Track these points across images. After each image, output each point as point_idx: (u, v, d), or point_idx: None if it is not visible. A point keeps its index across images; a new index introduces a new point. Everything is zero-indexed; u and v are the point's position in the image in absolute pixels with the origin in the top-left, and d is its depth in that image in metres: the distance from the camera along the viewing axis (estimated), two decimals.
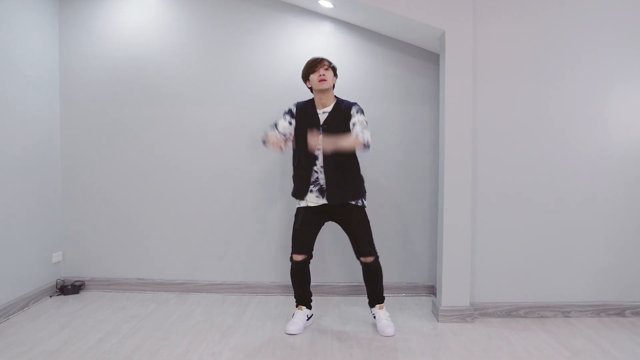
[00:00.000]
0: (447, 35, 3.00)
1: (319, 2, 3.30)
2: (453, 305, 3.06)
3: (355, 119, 2.78)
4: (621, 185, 3.12)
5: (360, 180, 2.93)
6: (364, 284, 2.97)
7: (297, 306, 2.96)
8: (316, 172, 2.81)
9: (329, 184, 2.78)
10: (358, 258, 2.89)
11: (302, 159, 2.84)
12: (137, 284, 3.66)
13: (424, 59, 3.57)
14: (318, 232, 2.94)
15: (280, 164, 3.57)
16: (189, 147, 3.63)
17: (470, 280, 3.10)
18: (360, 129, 2.72)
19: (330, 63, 2.84)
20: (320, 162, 2.79)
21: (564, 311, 3.14)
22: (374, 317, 2.94)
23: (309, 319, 2.96)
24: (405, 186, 3.61)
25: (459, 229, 3.04)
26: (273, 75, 3.58)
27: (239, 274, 3.66)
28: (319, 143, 2.72)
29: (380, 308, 2.93)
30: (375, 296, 2.95)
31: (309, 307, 2.99)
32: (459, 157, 3.02)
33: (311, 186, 2.83)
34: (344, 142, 2.61)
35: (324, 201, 2.82)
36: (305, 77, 2.86)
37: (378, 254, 2.90)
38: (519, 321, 3.07)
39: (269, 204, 3.62)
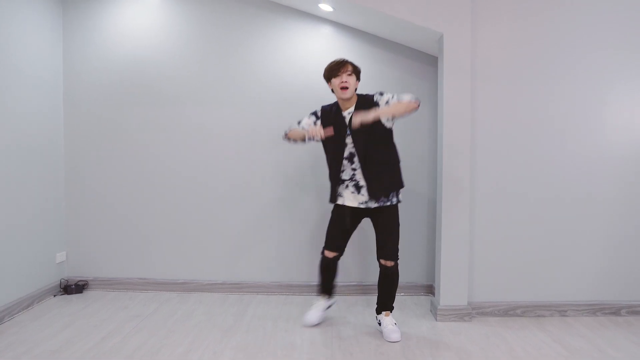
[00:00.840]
0: (445, 38, 2.99)
1: (319, 5, 3.29)
2: (451, 304, 3.05)
3: (384, 99, 2.64)
4: (618, 186, 3.11)
5: (399, 171, 2.80)
6: (372, 286, 2.96)
7: (320, 294, 3.02)
8: (354, 170, 2.72)
9: (371, 183, 2.68)
10: (378, 259, 2.82)
11: (331, 161, 2.80)
12: (140, 284, 3.65)
13: (423, 61, 3.56)
14: (353, 230, 2.90)
15: (281, 165, 3.57)
16: (190, 149, 3.62)
17: (468, 280, 3.09)
18: (391, 97, 2.62)
19: (353, 67, 2.72)
20: (355, 163, 2.71)
21: (560, 310, 3.13)
22: (379, 323, 2.86)
23: (329, 307, 3.05)
24: (405, 187, 3.59)
25: (457, 228, 3.03)
26: (273, 77, 3.57)
27: (240, 273, 3.65)
28: (321, 135, 2.61)
29: (387, 315, 2.85)
30: (386, 303, 2.87)
31: (331, 296, 3.05)
32: (457, 158, 3.02)
33: (347, 182, 2.75)
34: (379, 112, 2.48)
35: (360, 200, 2.73)
36: (327, 79, 2.75)
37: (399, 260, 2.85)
38: (517, 320, 3.07)
39: (269, 204, 3.61)
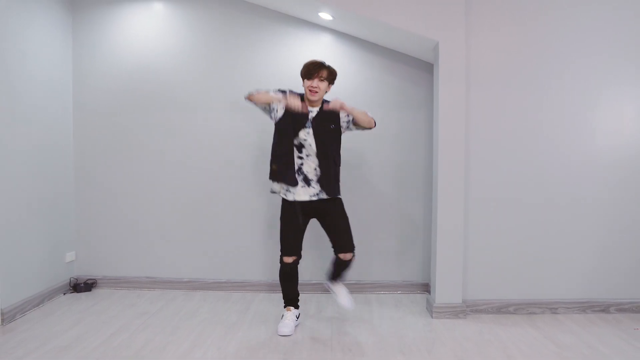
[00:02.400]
0: (440, 46, 3.01)
1: (319, 14, 3.30)
2: (446, 302, 3.06)
3: (344, 115, 2.76)
4: (607, 189, 3.13)
5: (339, 173, 2.84)
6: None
7: (285, 307, 2.88)
8: (300, 158, 2.72)
9: (324, 175, 2.70)
10: (337, 254, 2.81)
11: (286, 145, 2.71)
12: (147, 282, 3.66)
13: (419, 68, 3.58)
14: (305, 230, 2.84)
15: None
16: (195, 152, 3.63)
17: (462, 279, 3.10)
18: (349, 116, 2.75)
19: (328, 73, 2.72)
20: (307, 151, 2.71)
21: (551, 308, 3.14)
22: (328, 287, 2.95)
23: (297, 318, 2.87)
24: (401, 188, 3.61)
25: (452, 229, 3.04)
26: (276, 82, 3.57)
27: (243, 273, 3.66)
28: (299, 108, 2.63)
29: (334, 285, 2.92)
30: (336, 277, 2.91)
31: (297, 307, 2.91)
32: (452, 161, 3.03)
33: (295, 174, 2.72)
34: (353, 108, 2.66)
35: (311, 192, 2.71)
36: (302, 77, 2.74)
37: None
38: (509, 317, 3.08)
39: (271, 206, 3.62)
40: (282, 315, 2.85)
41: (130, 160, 3.65)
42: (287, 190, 2.76)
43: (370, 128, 2.81)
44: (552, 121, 3.11)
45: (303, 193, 2.73)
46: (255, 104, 2.75)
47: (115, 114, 3.64)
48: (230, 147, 3.62)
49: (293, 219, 2.77)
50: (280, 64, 3.58)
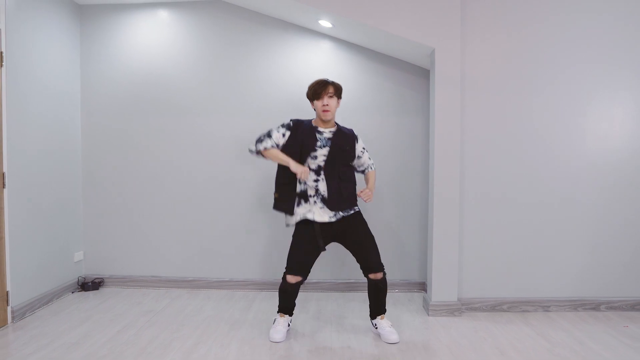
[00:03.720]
0: (436, 53, 3.03)
1: (320, 22, 3.32)
2: (442, 300, 3.07)
3: (360, 145, 2.78)
4: (597, 190, 3.14)
5: (355, 187, 2.72)
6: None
7: (278, 312, 2.74)
8: (316, 182, 2.59)
9: (333, 196, 2.57)
10: (366, 275, 2.64)
11: (290, 172, 2.59)
12: (152, 281, 3.68)
13: (416, 74, 3.59)
14: (322, 251, 2.61)
15: None
16: (199, 155, 3.65)
17: (458, 278, 3.12)
18: (365, 150, 2.82)
19: (335, 89, 2.62)
20: (321, 175, 2.59)
21: (544, 306, 3.15)
22: (375, 326, 2.72)
23: (288, 325, 2.73)
24: (399, 190, 3.63)
25: (447, 230, 3.06)
26: (276, 89, 3.60)
27: (246, 272, 3.67)
28: (307, 178, 2.56)
29: (382, 318, 2.70)
30: (379, 308, 2.72)
31: (290, 314, 2.76)
32: (448, 164, 3.04)
33: (314, 198, 2.58)
34: (373, 186, 2.82)
35: (330, 213, 2.57)
36: (310, 99, 2.66)
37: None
38: (503, 315, 3.09)
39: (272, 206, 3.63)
40: (274, 320, 2.73)
41: (136, 163, 3.67)
42: (307, 211, 2.59)
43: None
44: (545, 125, 3.13)
45: (323, 213, 2.58)
46: (300, 175, 2.54)
47: (122, 119, 3.66)
48: (233, 150, 3.63)
49: (308, 239, 2.57)
50: (281, 70, 3.60)
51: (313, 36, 3.59)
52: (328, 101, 2.60)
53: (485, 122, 3.13)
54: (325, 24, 3.33)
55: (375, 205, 3.60)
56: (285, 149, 2.64)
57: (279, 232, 3.63)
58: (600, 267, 3.17)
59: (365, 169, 2.85)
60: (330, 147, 2.61)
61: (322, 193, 2.59)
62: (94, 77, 3.65)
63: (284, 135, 2.65)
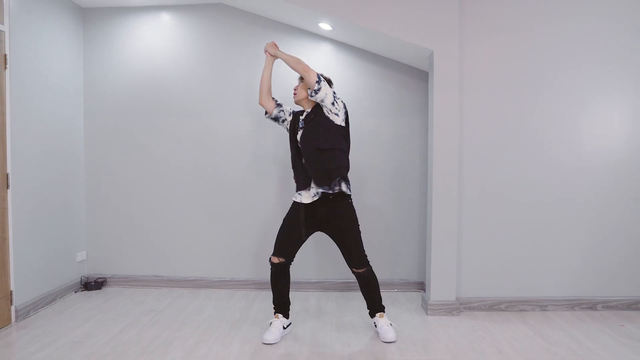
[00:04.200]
0: (435, 55, 3.03)
1: (320, 25, 3.33)
2: (441, 299, 3.08)
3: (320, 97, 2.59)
4: (594, 191, 3.14)
5: (342, 158, 2.61)
6: (364, 292, 2.66)
7: (275, 313, 2.70)
8: (302, 163, 2.66)
9: (319, 171, 2.55)
10: (350, 268, 2.68)
11: (293, 156, 2.71)
12: (154, 281, 3.68)
13: (415, 76, 3.60)
14: (304, 239, 2.65)
15: (282, 169, 3.60)
16: (201, 156, 3.66)
17: (456, 277, 3.12)
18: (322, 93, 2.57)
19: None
20: (304, 152, 2.63)
21: (541, 305, 3.16)
22: (375, 325, 2.69)
23: (285, 328, 2.67)
24: (398, 191, 3.63)
25: (446, 230, 3.06)
26: (277, 90, 3.60)
27: (247, 271, 3.68)
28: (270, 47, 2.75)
29: (381, 317, 2.68)
30: (374, 305, 2.70)
31: (287, 316, 2.70)
32: (446, 164, 3.05)
33: (304, 181, 2.64)
34: (283, 53, 2.72)
35: (312, 193, 2.58)
36: None
37: (370, 262, 2.72)
38: (501, 314, 3.09)
39: (274, 207, 3.64)
40: (270, 323, 2.67)
41: (138, 164, 3.67)
42: (298, 193, 2.68)
43: (307, 74, 2.54)
44: (543, 126, 3.13)
45: (306, 196, 2.62)
46: (260, 99, 2.76)
47: (124, 120, 3.67)
48: (234, 150, 3.64)
49: (294, 223, 2.64)
50: (282, 72, 3.60)
51: (313, 39, 3.60)
52: (296, 87, 2.73)
53: (483, 124, 3.13)
54: (325, 26, 3.33)
55: (375, 206, 3.60)
56: (288, 130, 2.77)
57: None
58: (597, 267, 3.17)
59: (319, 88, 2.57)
60: (303, 127, 2.67)
61: (310, 175, 2.61)
62: (97, 79, 3.66)
63: (290, 114, 2.79)
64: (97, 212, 3.70)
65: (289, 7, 3.16)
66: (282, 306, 2.70)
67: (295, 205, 2.67)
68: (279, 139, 3.60)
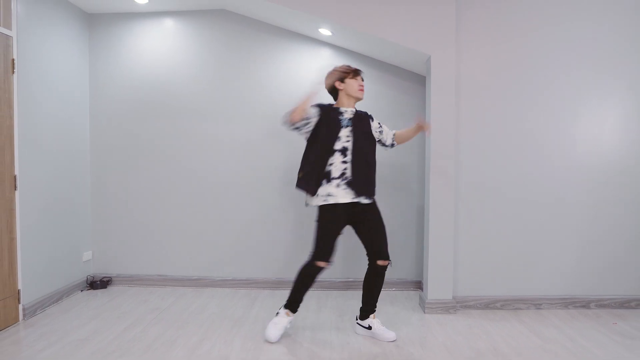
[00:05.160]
0: (432, 60, 3.05)
1: (320, 30, 3.34)
2: (438, 298, 3.09)
3: (376, 122, 2.72)
4: (587, 191, 3.16)
5: (375, 174, 2.67)
6: (360, 281, 2.62)
7: (285, 308, 2.62)
8: (344, 163, 2.51)
9: (358, 178, 2.51)
10: (375, 261, 2.58)
11: (324, 154, 2.53)
12: (158, 280, 3.69)
13: (413, 80, 3.61)
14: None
15: (284, 170, 3.62)
16: (204, 158, 3.67)
17: (453, 276, 3.13)
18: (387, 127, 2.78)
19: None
20: (347, 157, 2.52)
21: (536, 304, 3.17)
22: (369, 327, 2.64)
23: (288, 324, 2.65)
24: (395, 192, 3.64)
25: (443, 230, 3.07)
26: (278, 93, 3.62)
27: (249, 271, 3.69)
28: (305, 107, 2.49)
29: (374, 317, 2.67)
30: (372, 304, 2.67)
31: (294, 313, 2.66)
32: (443, 167, 3.06)
33: (338, 180, 2.51)
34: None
35: (352, 195, 2.51)
36: (340, 79, 2.60)
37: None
38: (496, 312, 3.10)
39: (275, 206, 3.65)
40: (277, 313, 2.63)
41: (143, 166, 3.69)
42: (327, 195, 2.50)
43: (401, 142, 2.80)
44: (538, 129, 3.15)
45: (345, 195, 2.51)
46: (295, 123, 2.51)
47: (129, 122, 3.68)
48: (235, 152, 3.65)
49: (334, 224, 2.52)
50: (282, 76, 3.62)
51: (314, 44, 3.61)
52: (363, 83, 2.63)
53: (479, 127, 3.14)
54: (325, 32, 3.35)
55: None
56: (312, 132, 2.59)
57: (282, 232, 3.64)
58: (590, 266, 3.18)
59: (393, 135, 2.76)
60: (352, 127, 2.57)
61: (348, 176, 2.52)
62: (102, 82, 3.67)
63: (314, 113, 2.58)
64: (103, 213, 3.71)
65: (290, 13, 3.18)
66: (296, 304, 2.63)
67: (330, 207, 2.51)
68: (280, 142, 3.61)
